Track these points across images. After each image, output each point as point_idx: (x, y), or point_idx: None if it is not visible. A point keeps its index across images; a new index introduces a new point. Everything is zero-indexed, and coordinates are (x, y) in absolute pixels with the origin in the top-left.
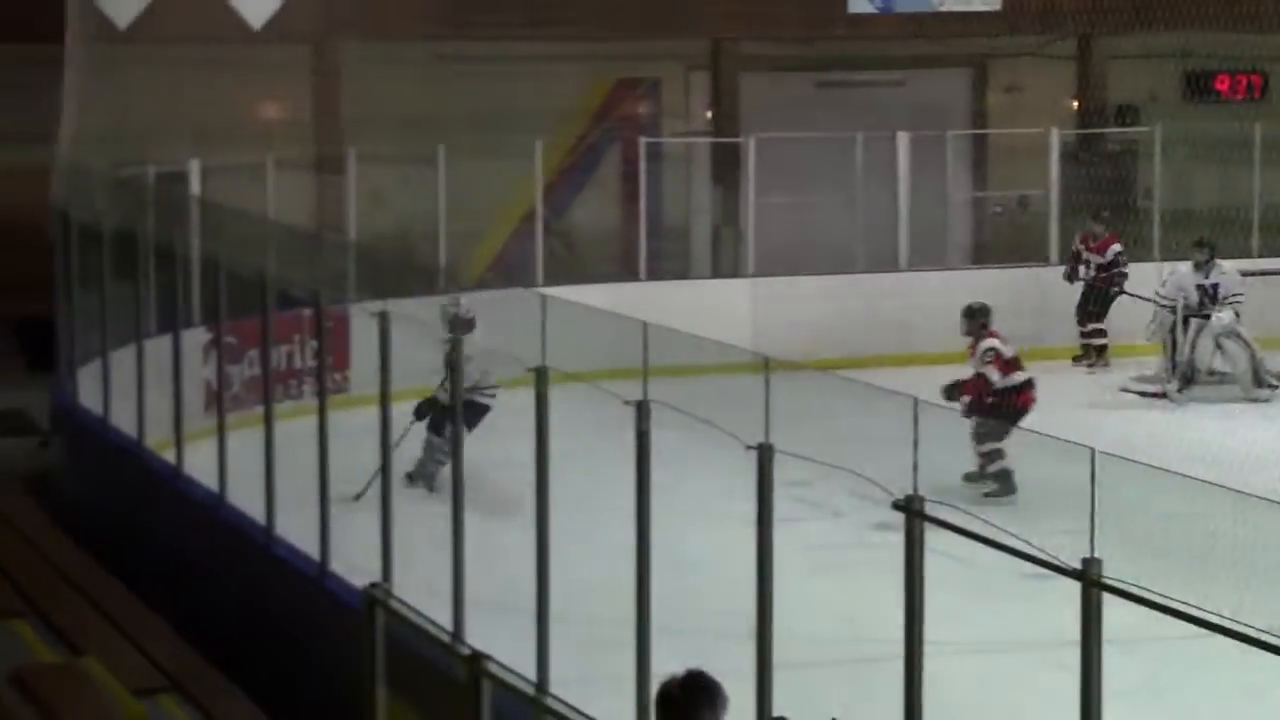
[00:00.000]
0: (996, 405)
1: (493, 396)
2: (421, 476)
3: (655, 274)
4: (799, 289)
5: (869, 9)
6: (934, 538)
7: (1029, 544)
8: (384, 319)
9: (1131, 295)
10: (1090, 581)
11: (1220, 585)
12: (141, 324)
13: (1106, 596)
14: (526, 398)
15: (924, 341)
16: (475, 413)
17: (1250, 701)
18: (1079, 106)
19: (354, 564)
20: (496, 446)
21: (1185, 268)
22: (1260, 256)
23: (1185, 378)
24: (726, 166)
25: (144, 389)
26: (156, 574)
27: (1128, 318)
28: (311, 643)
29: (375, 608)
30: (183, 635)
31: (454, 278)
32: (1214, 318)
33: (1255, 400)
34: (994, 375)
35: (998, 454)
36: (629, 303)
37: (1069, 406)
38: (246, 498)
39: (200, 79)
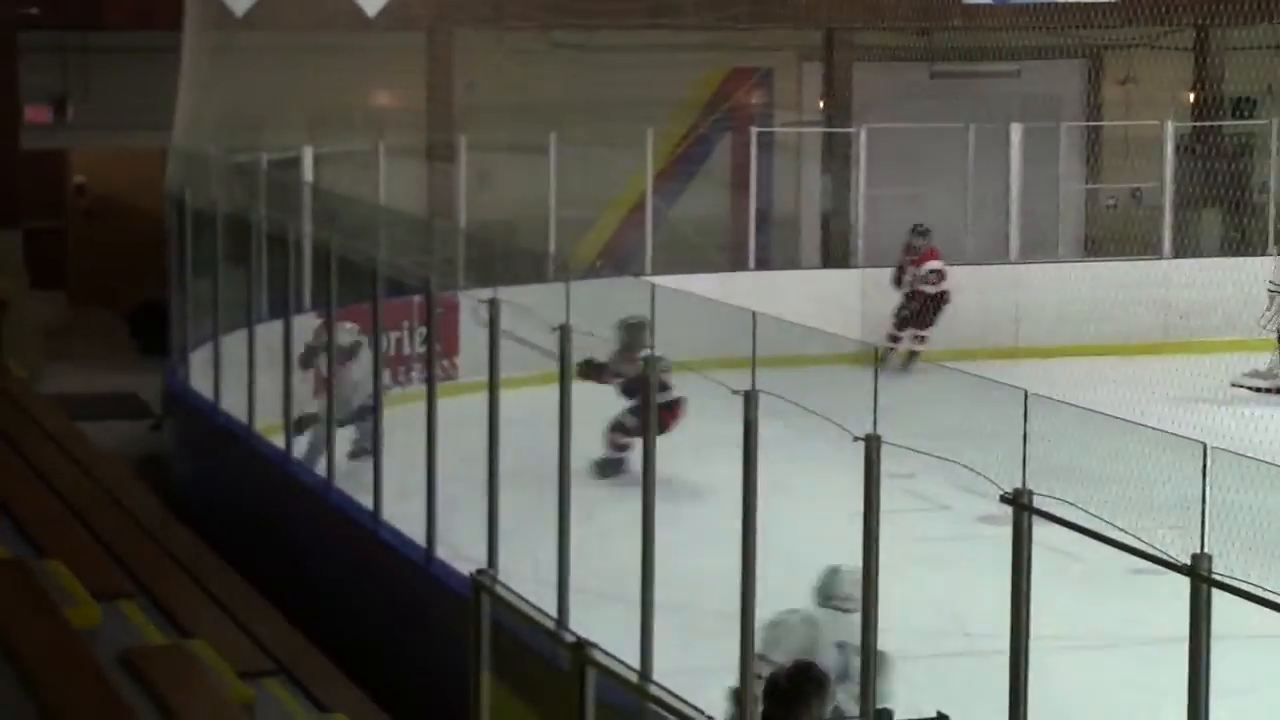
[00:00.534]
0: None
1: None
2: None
3: (764, 264)
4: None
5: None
6: (1041, 531)
7: (1138, 539)
8: (494, 306)
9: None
10: (1200, 577)
11: None
12: (253, 309)
13: (1215, 593)
14: None
15: (1034, 334)
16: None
17: None
18: (1194, 99)
19: (459, 550)
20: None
21: None
22: None
23: None
24: (838, 157)
25: (254, 373)
26: (264, 558)
27: (948, 331)
28: (417, 628)
29: (481, 594)
30: (290, 619)
31: (563, 266)
32: None
33: None
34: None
35: None
36: (738, 292)
37: (1176, 401)
38: (355, 483)
39: (314, 66)
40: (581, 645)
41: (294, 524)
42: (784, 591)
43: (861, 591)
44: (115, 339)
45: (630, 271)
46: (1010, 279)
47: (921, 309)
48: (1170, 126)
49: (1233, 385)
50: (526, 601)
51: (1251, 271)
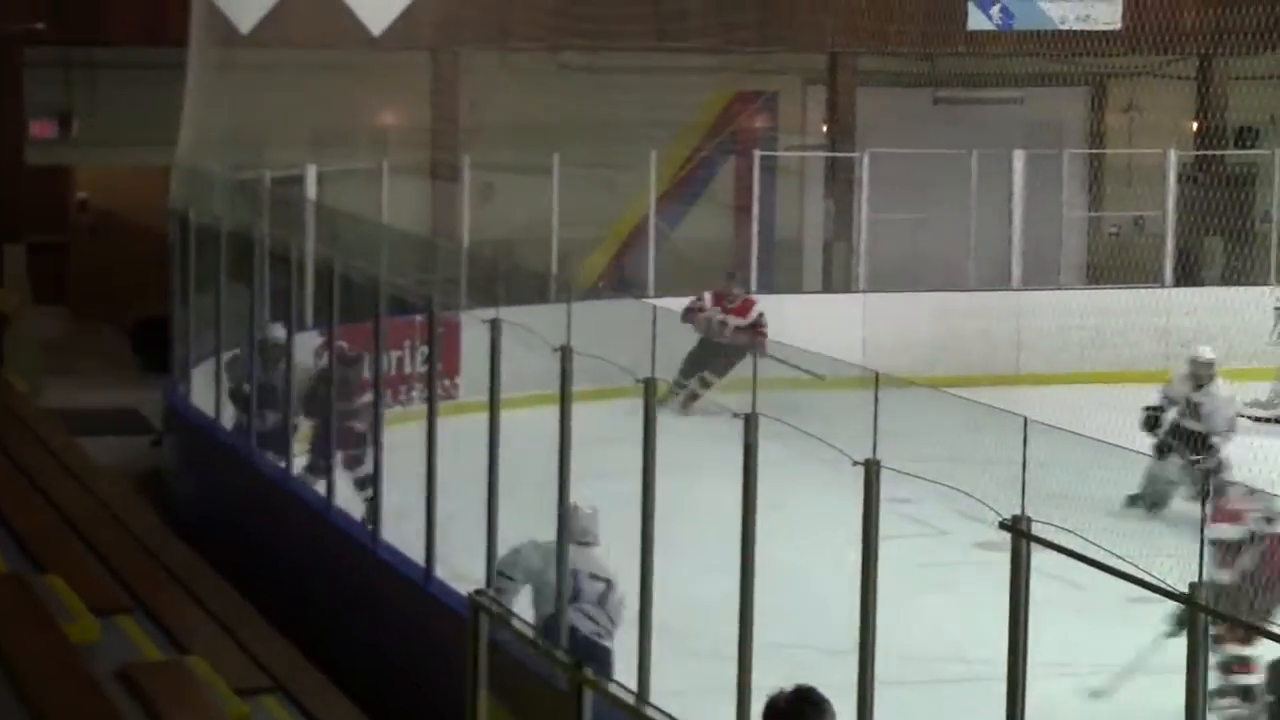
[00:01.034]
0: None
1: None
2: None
3: (766, 287)
4: (910, 305)
5: (988, 25)
6: (1041, 558)
7: (1136, 566)
8: (495, 326)
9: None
10: (1198, 606)
11: None
12: (255, 326)
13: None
14: (635, 409)
15: (1035, 361)
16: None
17: None
18: (1197, 128)
19: (458, 570)
20: (604, 458)
21: None
22: None
23: None
24: (840, 181)
25: (256, 391)
26: (263, 575)
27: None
28: (415, 647)
29: (479, 613)
30: (288, 637)
31: (566, 286)
32: None
33: None
34: None
35: None
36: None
37: None
38: (354, 502)
39: (319, 84)
40: (579, 665)
41: (293, 542)
42: (782, 614)
43: (859, 615)
44: (117, 355)
45: (633, 293)
46: (1012, 306)
47: (728, 360)
48: (1173, 155)
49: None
50: (524, 621)
51: (1253, 301)
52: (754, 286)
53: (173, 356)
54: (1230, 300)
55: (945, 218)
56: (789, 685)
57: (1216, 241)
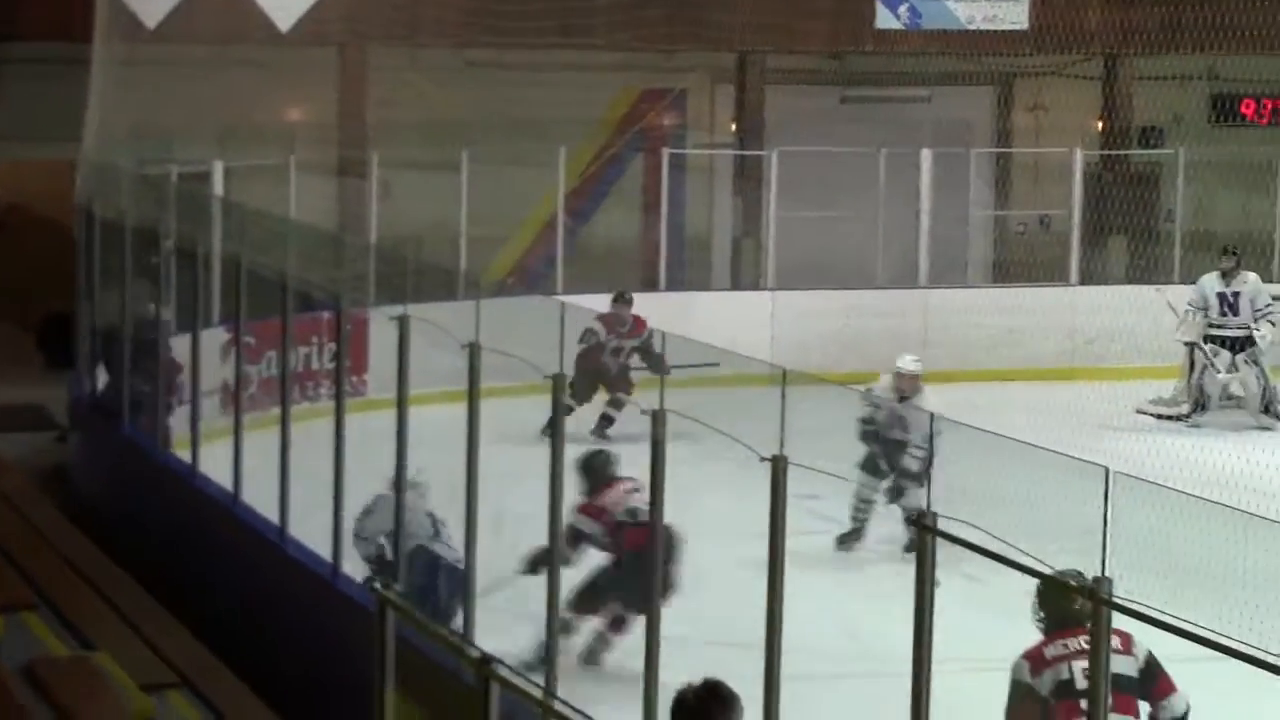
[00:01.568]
0: None
1: None
2: None
3: (675, 284)
4: (818, 302)
5: (896, 25)
6: (952, 554)
7: (1041, 561)
8: (403, 323)
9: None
10: (1100, 600)
11: (1230, 607)
12: (161, 323)
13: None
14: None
15: (942, 358)
16: None
17: None
18: (1103, 127)
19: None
20: (508, 458)
21: (1210, 275)
22: None
23: (1198, 403)
24: (749, 179)
25: (161, 387)
26: (170, 571)
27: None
28: (322, 642)
29: (386, 608)
30: (194, 632)
31: (474, 283)
32: (1256, 336)
33: (1263, 428)
34: None
35: None
36: (649, 312)
37: (1082, 426)
38: (261, 498)
39: (226, 80)
40: (486, 660)
41: (200, 538)
42: (689, 610)
43: (766, 611)
44: (22, 351)
45: (541, 290)
46: (920, 304)
47: (627, 382)
48: (1079, 154)
49: (1137, 411)
50: (431, 616)
51: (1157, 299)
52: (663, 284)
53: (78, 352)
54: (1135, 298)
55: (853, 216)
56: (697, 680)
57: (1121, 240)
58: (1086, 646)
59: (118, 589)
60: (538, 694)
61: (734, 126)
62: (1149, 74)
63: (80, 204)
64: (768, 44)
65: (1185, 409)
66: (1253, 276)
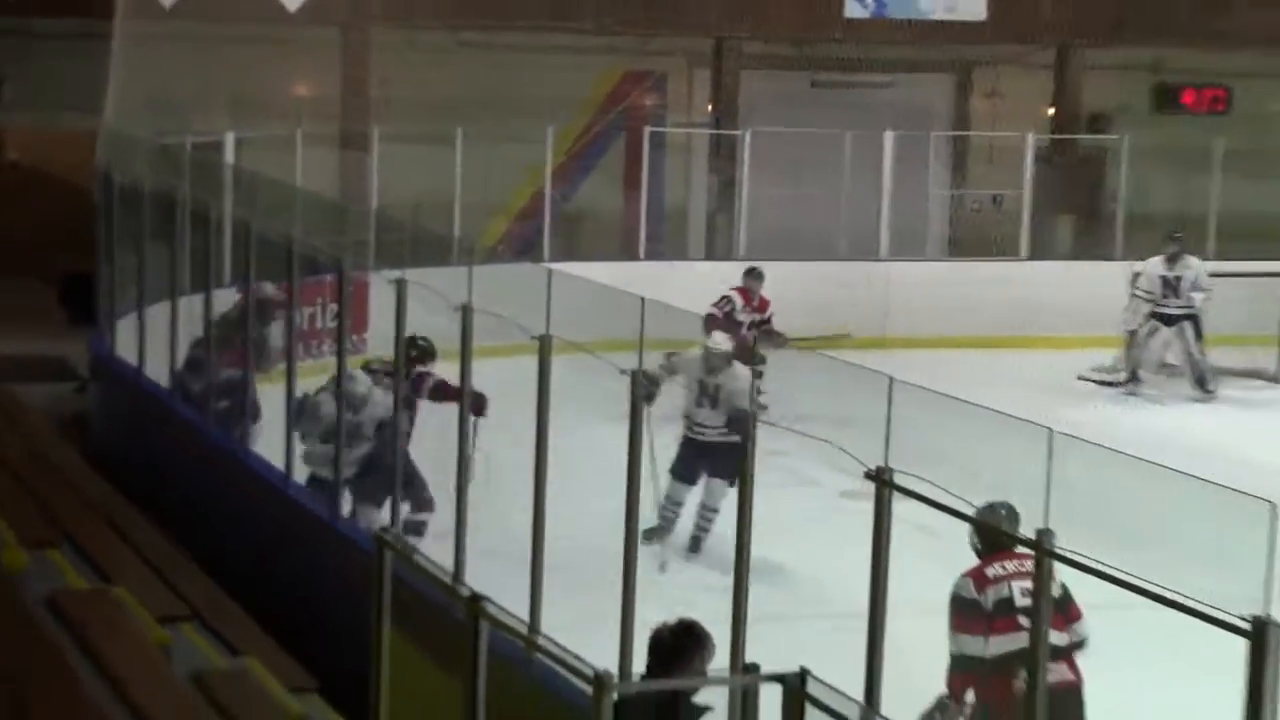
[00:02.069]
0: None
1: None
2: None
3: (654, 254)
4: (786, 272)
5: (862, 14)
6: (907, 508)
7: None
8: (401, 286)
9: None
10: (1042, 550)
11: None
12: (176, 282)
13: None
14: (530, 365)
15: (900, 325)
16: None
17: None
18: (1054, 113)
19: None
20: (499, 412)
21: (1156, 260)
22: (1216, 260)
23: (1134, 373)
24: (724, 157)
25: (176, 342)
26: (183, 512)
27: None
28: (324, 581)
29: (384, 550)
30: (206, 570)
31: (468, 250)
32: (1196, 308)
33: (1195, 400)
34: None
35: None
36: (628, 280)
37: (1026, 390)
38: (268, 445)
39: (237, 56)
40: (476, 599)
41: (211, 482)
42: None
43: (735, 556)
44: (45, 307)
45: (529, 258)
46: (881, 275)
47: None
48: (1031, 138)
49: (1079, 378)
50: (426, 558)
51: (1102, 274)
52: (642, 254)
53: (98, 309)
54: (1080, 273)
55: (820, 193)
56: (673, 619)
57: (1068, 219)
58: (1021, 569)
59: (134, 529)
60: (523, 630)
61: (710, 108)
62: (1098, 64)
63: (100, 170)
64: (743, 31)
65: (1123, 376)
66: (1195, 261)
